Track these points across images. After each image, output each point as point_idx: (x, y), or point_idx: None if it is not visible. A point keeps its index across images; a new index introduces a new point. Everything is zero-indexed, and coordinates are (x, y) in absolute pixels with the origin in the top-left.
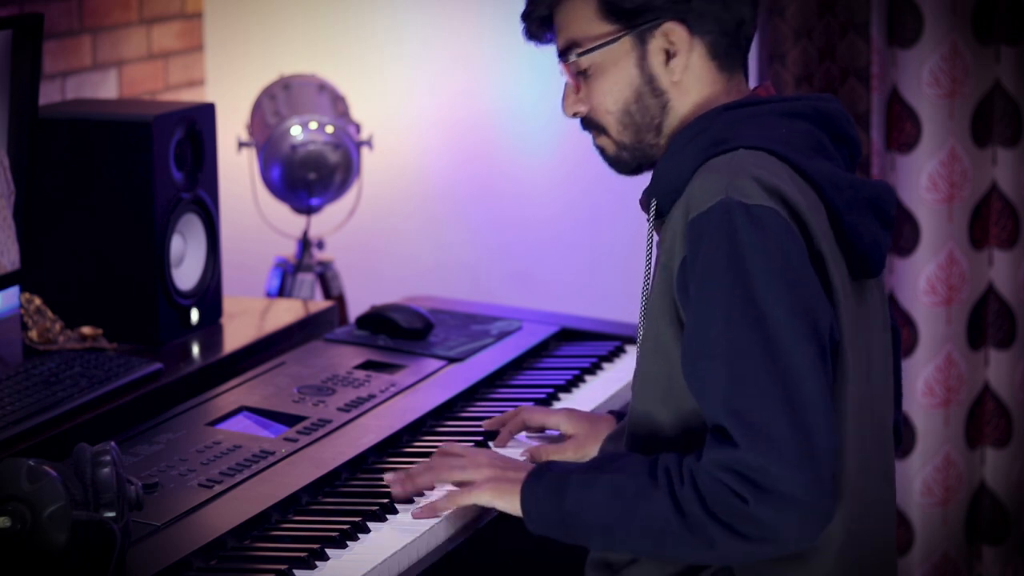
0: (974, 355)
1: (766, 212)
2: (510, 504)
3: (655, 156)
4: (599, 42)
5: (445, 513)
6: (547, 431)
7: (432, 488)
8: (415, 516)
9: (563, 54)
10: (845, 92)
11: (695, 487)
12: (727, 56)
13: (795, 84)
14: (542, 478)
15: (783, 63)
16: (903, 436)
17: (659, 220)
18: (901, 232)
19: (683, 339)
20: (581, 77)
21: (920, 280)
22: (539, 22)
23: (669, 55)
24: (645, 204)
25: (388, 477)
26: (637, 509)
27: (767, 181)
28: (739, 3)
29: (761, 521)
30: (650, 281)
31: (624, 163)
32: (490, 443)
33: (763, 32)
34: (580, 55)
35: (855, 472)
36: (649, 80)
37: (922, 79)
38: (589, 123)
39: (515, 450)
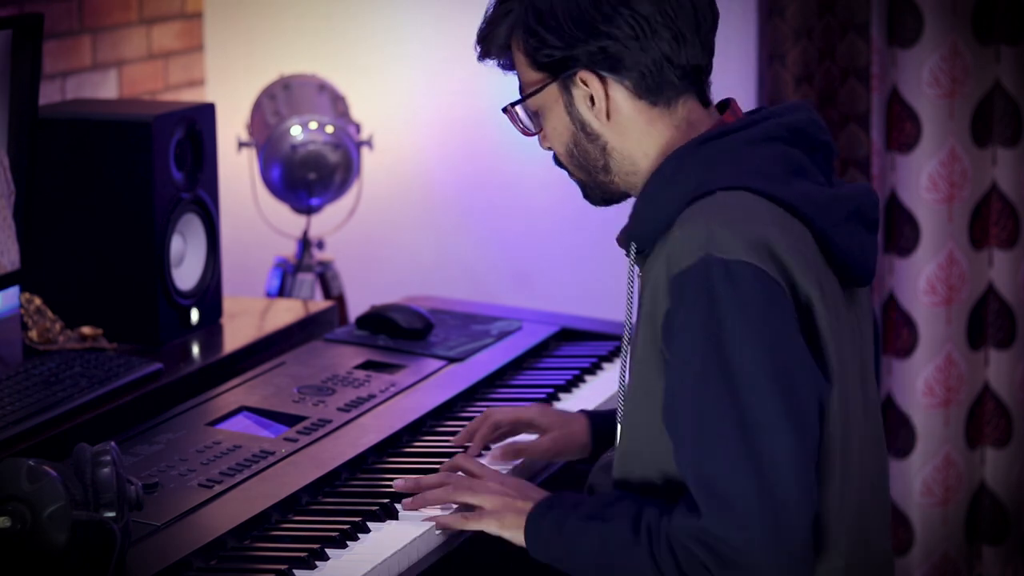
0: (974, 355)
1: (746, 269)
2: (514, 535)
3: (616, 191)
4: (530, 90)
5: (452, 529)
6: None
7: (442, 504)
8: (436, 523)
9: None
10: (845, 92)
11: (671, 550)
12: (656, 93)
13: (795, 84)
14: (546, 515)
15: (783, 63)
16: (899, 436)
17: (639, 256)
18: (901, 232)
19: (663, 395)
20: (536, 117)
21: (920, 280)
22: (502, 59)
23: (594, 101)
24: (623, 243)
25: (398, 484)
26: (620, 562)
27: (749, 232)
28: (657, 41)
29: None
30: (632, 318)
31: (592, 198)
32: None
33: (763, 32)
34: (514, 104)
35: (855, 503)
36: (582, 126)
37: (922, 79)
38: (556, 160)
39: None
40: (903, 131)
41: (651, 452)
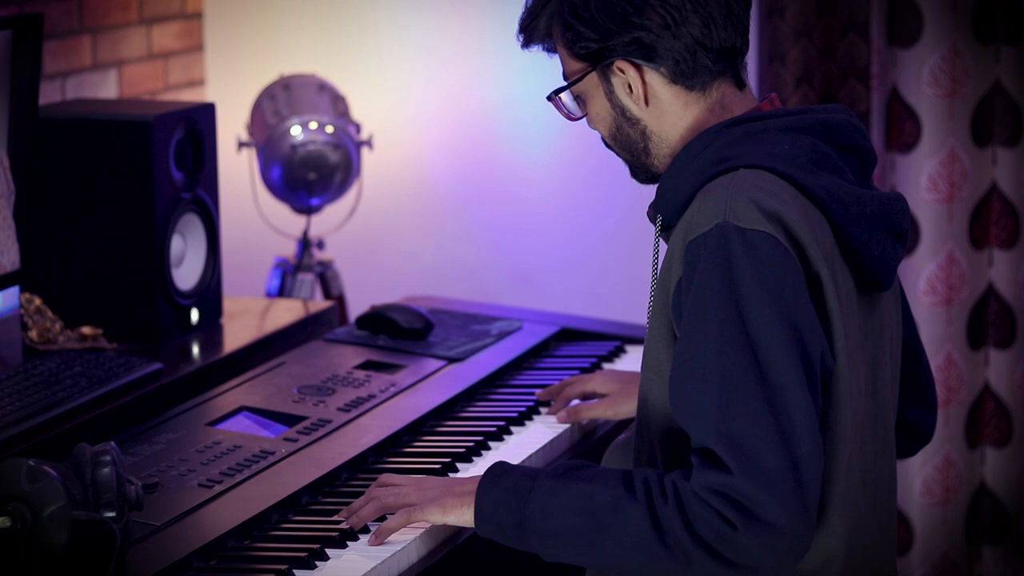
0: (974, 355)
1: (762, 237)
2: (459, 516)
3: (657, 172)
4: (572, 79)
5: (396, 532)
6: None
7: (377, 517)
8: (371, 544)
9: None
10: (845, 92)
11: (679, 506)
12: (691, 78)
13: (795, 84)
14: (501, 479)
15: (783, 63)
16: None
17: (666, 233)
18: None
19: (673, 358)
20: (580, 104)
21: (920, 280)
22: (544, 44)
23: (631, 88)
24: (652, 217)
25: (343, 518)
26: (610, 521)
27: (765, 204)
28: (688, 28)
29: (746, 548)
30: (654, 293)
31: (638, 176)
32: (542, 408)
33: (763, 32)
34: (555, 93)
35: (855, 491)
36: (622, 111)
37: (922, 79)
38: (605, 142)
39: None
40: (903, 131)
41: (660, 424)
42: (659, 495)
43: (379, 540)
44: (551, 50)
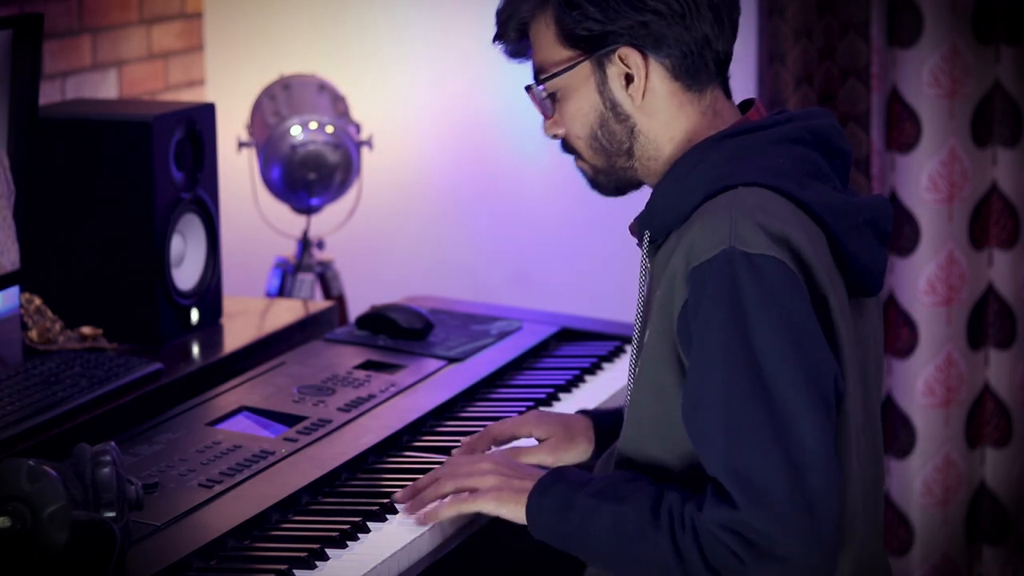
0: (974, 355)
1: (769, 262)
2: (513, 512)
3: (632, 178)
4: (559, 68)
5: (447, 517)
6: (519, 440)
7: (439, 499)
8: (419, 521)
9: (535, 78)
10: (845, 92)
11: (696, 538)
12: (693, 76)
13: (795, 84)
14: (548, 491)
15: (783, 63)
16: (899, 436)
17: (652, 246)
18: (901, 232)
19: (684, 389)
20: (550, 100)
21: (920, 280)
22: (515, 43)
23: (629, 79)
24: (637, 232)
25: (399, 496)
26: (637, 545)
27: (772, 227)
28: (700, 22)
29: None
30: (642, 309)
31: (603, 186)
32: None
33: (763, 32)
34: (540, 83)
35: (861, 507)
36: (612, 105)
37: (922, 79)
38: (566, 146)
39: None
40: (903, 131)
41: (656, 443)
42: (679, 524)
43: (428, 521)
44: (516, 55)
